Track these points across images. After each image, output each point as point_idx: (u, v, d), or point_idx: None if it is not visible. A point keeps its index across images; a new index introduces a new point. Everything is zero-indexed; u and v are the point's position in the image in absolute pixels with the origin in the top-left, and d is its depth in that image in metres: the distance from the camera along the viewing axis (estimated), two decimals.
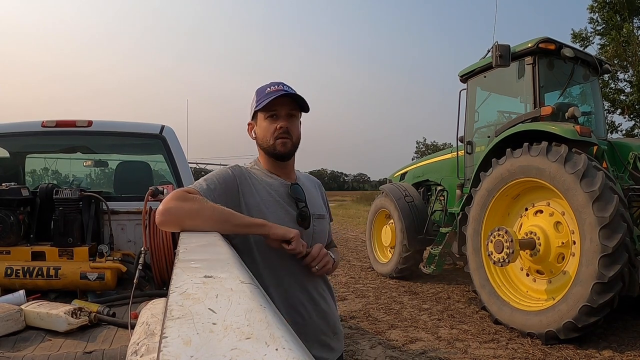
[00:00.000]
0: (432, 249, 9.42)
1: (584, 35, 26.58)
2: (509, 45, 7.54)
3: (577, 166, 6.14)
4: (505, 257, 6.57)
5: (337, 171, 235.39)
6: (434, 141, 66.82)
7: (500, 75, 8.31)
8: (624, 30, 23.97)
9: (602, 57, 25.19)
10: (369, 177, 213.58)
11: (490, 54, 7.89)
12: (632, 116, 25.85)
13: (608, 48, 24.94)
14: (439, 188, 10.15)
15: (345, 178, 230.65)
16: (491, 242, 6.84)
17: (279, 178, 2.36)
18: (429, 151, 58.01)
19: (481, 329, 6.97)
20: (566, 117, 7.24)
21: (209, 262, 1.25)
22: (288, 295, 2.22)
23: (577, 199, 6.10)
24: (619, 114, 26.21)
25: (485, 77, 8.74)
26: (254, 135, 2.39)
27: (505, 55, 7.43)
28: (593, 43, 26.63)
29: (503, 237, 6.64)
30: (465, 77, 9.20)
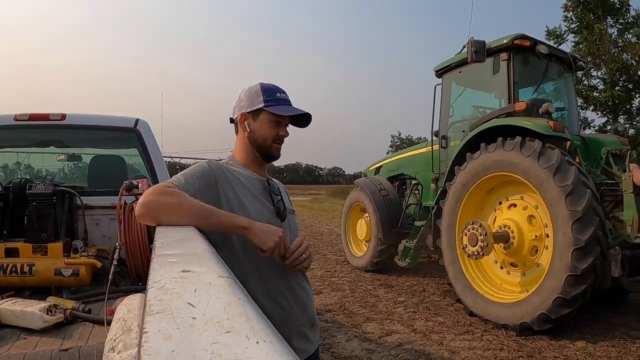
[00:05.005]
0: (407, 242, 9.47)
1: (558, 32, 26.88)
2: (484, 41, 7.59)
3: (550, 161, 6.22)
4: (480, 250, 6.65)
5: (312, 165, 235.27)
6: (409, 135, 66.99)
7: (475, 70, 8.37)
8: (595, 29, 24.33)
9: (576, 55, 25.56)
10: (344, 171, 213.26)
11: (465, 49, 7.95)
12: (604, 112, 26.19)
13: (582, 46, 25.27)
14: (413, 182, 10.24)
15: (320, 172, 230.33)
16: (465, 235, 6.91)
17: (255, 174, 2.42)
18: (404, 145, 58.16)
19: (456, 321, 7.04)
20: (540, 113, 7.32)
21: (186, 256, 1.25)
22: (268, 287, 2.25)
23: (551, 193, 6.18)
24: (592, 110, 26.57)
25: (460, 72, 8.80)
26: (247, 128, 2.41)
27: (480, 51, 7.48)
28: (567, 40, 26.95)
29: (477, 230, 6.71)
30: (440, 72, 9.26)
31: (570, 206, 5.97)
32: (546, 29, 27.28)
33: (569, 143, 6.97)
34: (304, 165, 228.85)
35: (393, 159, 11.51)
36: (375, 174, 11.99)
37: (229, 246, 2.17)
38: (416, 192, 10.02)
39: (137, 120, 5.07)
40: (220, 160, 2.50)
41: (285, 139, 2.45)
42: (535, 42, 7.77)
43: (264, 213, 2.30)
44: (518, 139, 6.66)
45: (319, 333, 2.57)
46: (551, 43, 27.10)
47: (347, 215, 11.92)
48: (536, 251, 6.74)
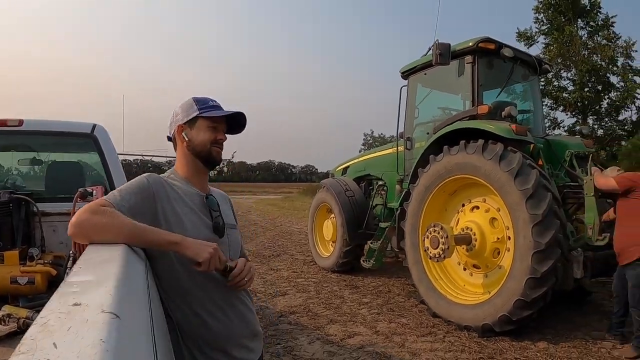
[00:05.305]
0: (371, 243, 9.48)
1: (529, 34, 27.18)
2: (449, 44, 7.61)
3: (511, 164, 6.28)
4: (441, 252, 6.70)
5: (285, 162, 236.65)
6: (382, 134, 66.94)
7: (440, 72, 8.37)
8: (566, 31, 24.63)
9: (546, 56, 25.95)
10: (316, 169, 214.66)
11: (431, 51, 7.97)
12: (574, 113, 26.53)
13: (552, 47, 25.58)
14: (380, 183, 10.28)
15: (293, 170, 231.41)
16: (427, 237, 6.95)
17: (195, 188, 2.46)
18: (376, 143, 58.19)
19: (419, 323, 7.08)
20: (503, 116, 7.37)
21: (91, 285, 1.24)
22: (207, 301, 2.30)
23: (511, 197, 6.24)
24: (562, 111, 26.90)
25: (425, 74, 8.81)
26: (185, 138, 2.45)
27: (445, 54, 7.50)
28: (537, 42, 27.26)
29: (439, 233, 6.76)
30: (406, 74, 9.25)
31: (531, 210, 6.03)
32: (517, 31, 27.56)
33: (532, 146, 7.02)
34: (276, 163, 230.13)
35: (360, 159, 11.49)
36: (342, 174, 12.00)
37: (168, 260, 2.21)
38: (382, 192, 10.05)
39: (94, 126, 5.06)
40: (164, 172, 2.55)
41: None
42: (500, 45, 7.81)
43: (202, 229, 2.34)
44: (480, 141, 6.71)
45: (262, 342, 2.62)
46: (522, 44, 27.50)
47: (313, 215, 11.94)
48: (498, 253, 6.82)
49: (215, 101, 2.52)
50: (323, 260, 11.17)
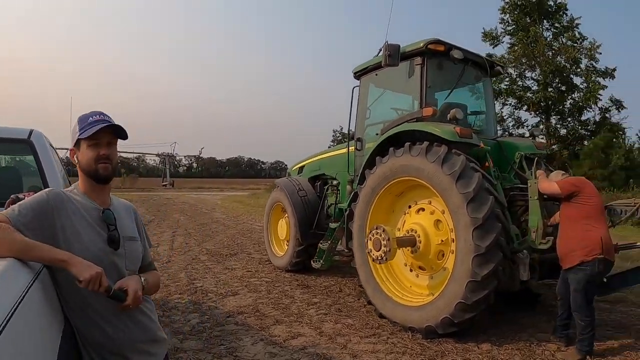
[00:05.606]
0: (321, 244, 9.51)
1: (494, 34, 27.44)
2: (399, 45, 7.59)
3: (454, 167, 6.30)
4: (383, 255, 6.69)
5: (254, 159, 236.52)
6: (352, 129, 66.80)
7: (391, 73, 8.34)
8: (531, 32, 24.93)
9: (511, 56, 26.21)
10: (286, 165, 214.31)
11: (381, 52, 7.95)
12: (537, 113, 26.85)
13: (517, 48, 25.88)
14: (334, 182, 10.28)
15: (263, 166, 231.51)
16: (370, 240, 6.96)
17: (94, 202, 2.59)
18: (345, 140, 58.29)
19: (365, 324, 7.10)
20: (448, 119, 7.38)
21: None
22: (104, 309, 2.41)
23: (453, 200, 6.27)
24: (525, 110, 27.21)
25: (377, 75, 8.80)
26: (76, 161, 2.60)
27: (394, 55, 7.49)
28: (503, 42, 27.54)
29: (381, 235, 6.75)
30: (358, 74, 9.24)
31: (472, 213, 6.06)
32: (482, 31, 27.79)
33: (479, 148, 7.02)
34: (246, 159, 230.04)
35: (315, 159, 11.44)
36: (298, 174, 11.99)
37: (66, 271, 2.27)
38: (336, 192, 10.04)
39: (31, 132, 5.03)
40: (66, 189, 2.64)
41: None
42: (450, 47, 7.80)
43: (98, 241, 2.47)
44: (425, 144, 6.72)
45: (165, 345, 2.77)
46: (487, 44, 27.76)
47: (269, 214, 11.93)
48: (443, 255, 6.85)
49: (100, 114, 2.62)
50: (277, 259, 11.19)
